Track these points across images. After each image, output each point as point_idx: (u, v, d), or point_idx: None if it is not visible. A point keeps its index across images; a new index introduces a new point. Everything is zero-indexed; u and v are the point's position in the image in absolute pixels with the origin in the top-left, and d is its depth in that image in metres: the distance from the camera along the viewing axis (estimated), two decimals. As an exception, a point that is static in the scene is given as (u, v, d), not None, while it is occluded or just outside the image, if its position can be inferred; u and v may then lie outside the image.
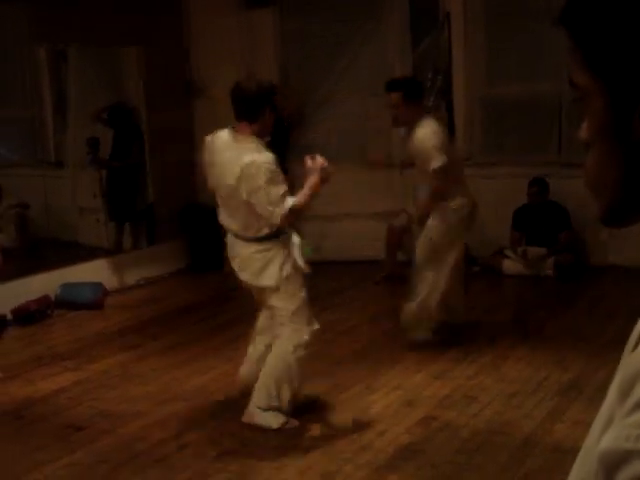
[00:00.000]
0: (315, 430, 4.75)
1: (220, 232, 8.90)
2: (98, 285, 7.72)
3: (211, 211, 8.95)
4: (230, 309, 7.49)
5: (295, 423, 4.77)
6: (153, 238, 9.01)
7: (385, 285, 8.03)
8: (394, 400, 5.15)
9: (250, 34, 8.98)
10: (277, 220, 4.53)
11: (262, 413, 4.76)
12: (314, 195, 4.61)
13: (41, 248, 8.69)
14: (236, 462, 4.36)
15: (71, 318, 7.30)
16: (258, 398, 4.77)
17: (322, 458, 4.37)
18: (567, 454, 4.21)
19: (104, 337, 6.74)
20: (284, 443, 4.56)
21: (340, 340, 6.36)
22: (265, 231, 4.66)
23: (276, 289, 4.68)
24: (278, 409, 4.76)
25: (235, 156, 4.55)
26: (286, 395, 4.75)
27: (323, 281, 8.36)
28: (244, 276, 4.78)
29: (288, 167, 8.91)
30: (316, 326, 4.84)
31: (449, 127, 8.55)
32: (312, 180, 4.59)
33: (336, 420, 4.89)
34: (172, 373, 5.78)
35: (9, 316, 6.99)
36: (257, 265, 4.69)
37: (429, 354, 5.92)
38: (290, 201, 4.51)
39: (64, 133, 9.07)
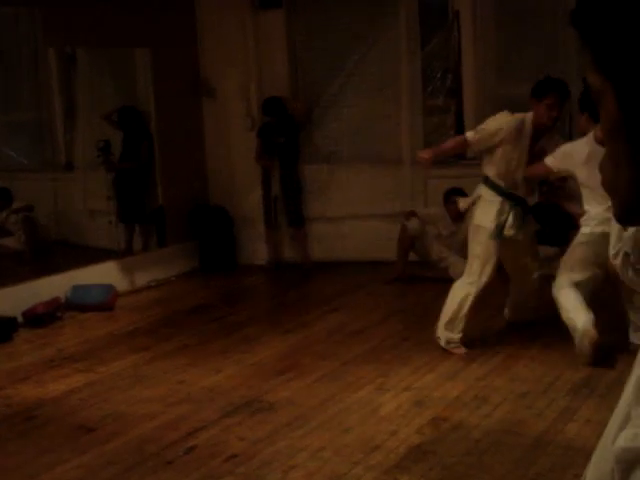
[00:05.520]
0: (325, 431, 4.74)
1: (231, 232, 8.98)
2: (109, 287, 7.72)
3: (221, 212, 9.05)
4: (240, 310, 7.50)
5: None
6: (163, 240, 9.01)
7: (396, 286, 8.01)
8: (405, 401, 5.13)
9: (260, 34, 8.98)
10: None
11: None
12: None
13: (52, 251, 8.70)
14: (245, 464, 4.34)
15: (82, 320, 7.30)
16: None
17: (332, 459, 4.35)
18: (579, 453, 4.19)
19: (115, 339, 6.74)
20: (294, 444, 4.54)
21: (350, 341, 6.34)
22: None
23: None
24: None
25: None
26: None
27: (334, 281, 8.36)
28: None
29: (299, 167, 8.92)
30: None
31: (459, 127, 8.53)
32: None
33: (346, 421, 4.87)
34: (182, 375, 5.77)
35: (20, 318, 7.00)
36: None
37: (439, 354, 5.90)
38: None
39: (74, 136, 9.09)
